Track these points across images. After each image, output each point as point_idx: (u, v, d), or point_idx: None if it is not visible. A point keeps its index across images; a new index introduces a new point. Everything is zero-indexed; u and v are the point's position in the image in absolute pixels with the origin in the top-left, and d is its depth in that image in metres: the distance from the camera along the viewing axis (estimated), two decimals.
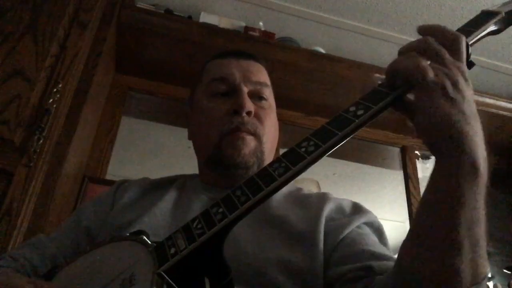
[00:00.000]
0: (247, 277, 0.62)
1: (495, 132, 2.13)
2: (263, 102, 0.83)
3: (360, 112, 0.52)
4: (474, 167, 0.46)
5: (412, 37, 0.55)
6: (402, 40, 2.18)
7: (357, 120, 0.51)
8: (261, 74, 0.86)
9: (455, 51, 0.52)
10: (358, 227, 0.73)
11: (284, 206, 0.76)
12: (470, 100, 0.50)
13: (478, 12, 0.66)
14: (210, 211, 0.50)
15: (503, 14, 0.65)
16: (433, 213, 0.49)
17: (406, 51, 0.53)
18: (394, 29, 2.12)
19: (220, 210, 0.49)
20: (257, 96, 0.83)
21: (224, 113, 0.79)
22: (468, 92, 0.50)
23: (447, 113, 0.47)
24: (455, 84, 0.49)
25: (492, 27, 0.64)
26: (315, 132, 0.53)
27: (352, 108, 0.53)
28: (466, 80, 0.50)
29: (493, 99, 2.01)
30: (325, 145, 0.50)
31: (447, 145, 0.47)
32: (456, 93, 0.48)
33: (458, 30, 0.62)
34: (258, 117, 0.80)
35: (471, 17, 0.65)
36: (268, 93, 0.85)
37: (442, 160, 0.49)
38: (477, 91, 1.96)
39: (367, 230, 0.74)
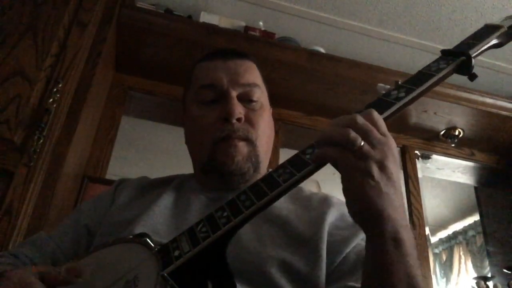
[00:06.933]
0: (248, 275, 0.62)
1: (495, 132, 2.13)
2: (253, 104, 0.82)
3: None
4: (395, 240, 0.49)
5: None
6: (402, 40, 2.18)
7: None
8: (250, 74, 0.84)
9: (380, 129, 0.52)
10: (363, 239, 0.73)
11: (285, 206, 0.76)
12: (395, 178, 0.51)
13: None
14: (215, 214, 0.51)
15: (506, 28, 0.66)
16: (371, 283, 0.53)
17: (336, 125, 0.52)
18: (394, 29, 2.11)
19: (225, 214, 0.50)
20: (246, 99, 0.82)
21: (214, 120, 0.79)
22: (394, 171, 0.51)
23: (369, 196, 0.48)
24: (381, 167, 0.49)
25: (495, 41, 0.65)
26: None
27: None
28: (393, 156, 0.51)
29: (493, 99, 2.00)
30: None
31: (369, 224, 0.51)
32: (381, 176, 0.49)
33: (462, 42, 0.63)
34: (249, 120, 0.80)
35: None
36: (259, 93, 0.83)
37: (367, 235, 0.52)
38: (477, 91, 1.96)
39: None
